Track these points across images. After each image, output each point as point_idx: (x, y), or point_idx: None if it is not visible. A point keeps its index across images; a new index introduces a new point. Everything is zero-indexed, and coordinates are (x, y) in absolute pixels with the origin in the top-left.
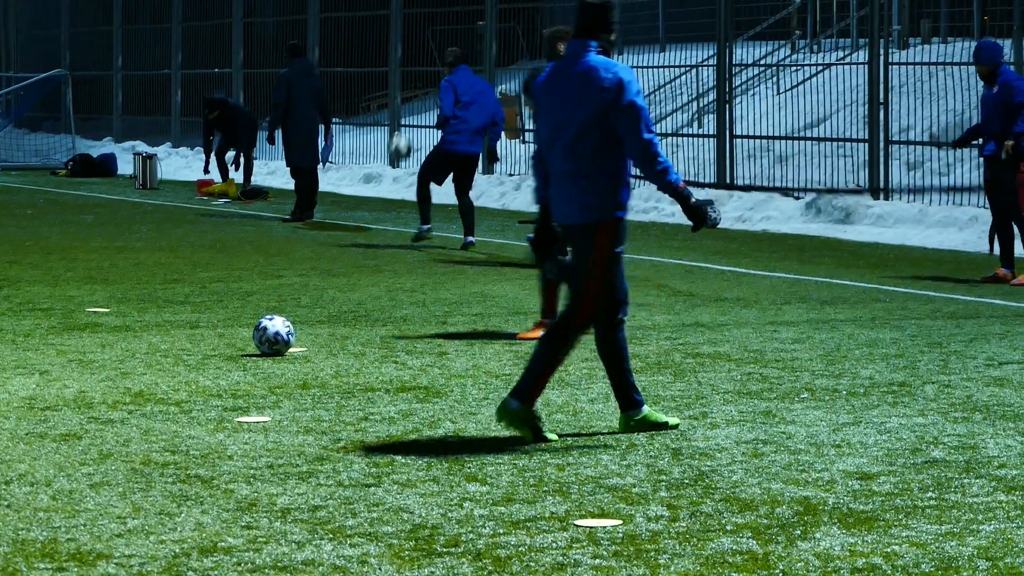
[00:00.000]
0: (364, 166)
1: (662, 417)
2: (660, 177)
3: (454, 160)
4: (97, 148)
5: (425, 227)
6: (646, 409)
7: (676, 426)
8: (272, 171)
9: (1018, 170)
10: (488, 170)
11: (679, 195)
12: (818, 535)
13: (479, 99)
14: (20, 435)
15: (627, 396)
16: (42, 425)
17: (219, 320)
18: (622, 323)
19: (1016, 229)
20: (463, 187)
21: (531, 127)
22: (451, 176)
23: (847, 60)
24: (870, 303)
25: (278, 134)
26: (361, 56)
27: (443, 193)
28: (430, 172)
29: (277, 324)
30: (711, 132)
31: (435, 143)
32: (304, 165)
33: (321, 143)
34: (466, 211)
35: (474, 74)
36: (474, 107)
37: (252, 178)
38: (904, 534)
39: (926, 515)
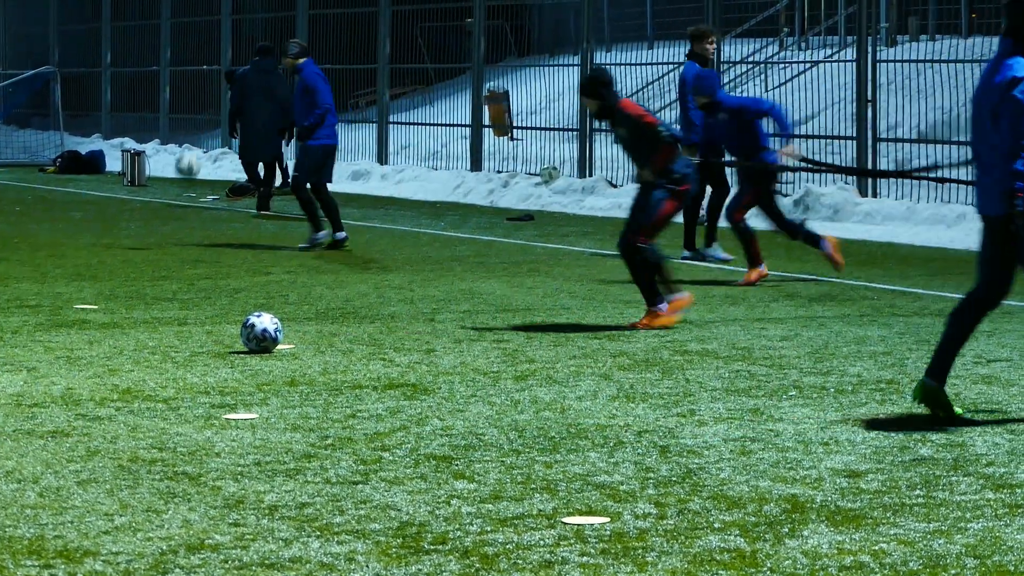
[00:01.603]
0: (352, 163)
1: (956, 409)
2: (1013, 176)
3: (332, 154)
4: (85, 145)
5: (343, 234)
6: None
7: (960, 415)
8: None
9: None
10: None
11: (1012, 202)
12: (806, 533)
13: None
14: (7, 432)
15: (942, 370)
16: (30, 422)
17: (207, 317)
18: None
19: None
20: (328, 181)
21: (517, 125)
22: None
23: (835, 57)
24: (858, 300)
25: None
26: (350, 53)
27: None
28: (319, 172)
29: (265, 321)
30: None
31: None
32: (258, 159)
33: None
34: (335, 205)
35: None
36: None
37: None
38: (892, 532)
39: (914, 513)
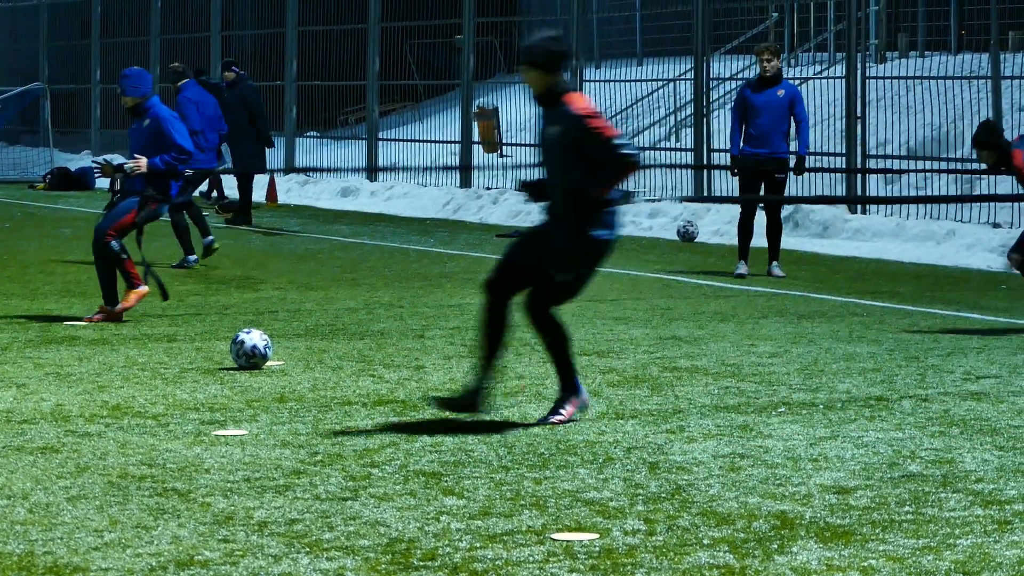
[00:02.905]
0: (341, 179)
1: None
2: None
3: (202, 178)
4: (75, 161)
5: (194, 258)
6: None
7: None
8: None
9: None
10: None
11: None
12: (795, 549)
13: (213, 113)
14: None
15: None
16: (19, 438)
17: (196, 333)
18: None
19: None
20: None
21: (507, 141)
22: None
23: (824, 74)
24: (847, 317)
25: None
26: (339, 69)
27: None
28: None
29: (254, 337)
30: (688, 146)
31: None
32: (236, 171)
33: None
34: (184, 229)
35: (201, 87)
36: (210, 122)
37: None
38: (881, 548)
39: (903, 529)
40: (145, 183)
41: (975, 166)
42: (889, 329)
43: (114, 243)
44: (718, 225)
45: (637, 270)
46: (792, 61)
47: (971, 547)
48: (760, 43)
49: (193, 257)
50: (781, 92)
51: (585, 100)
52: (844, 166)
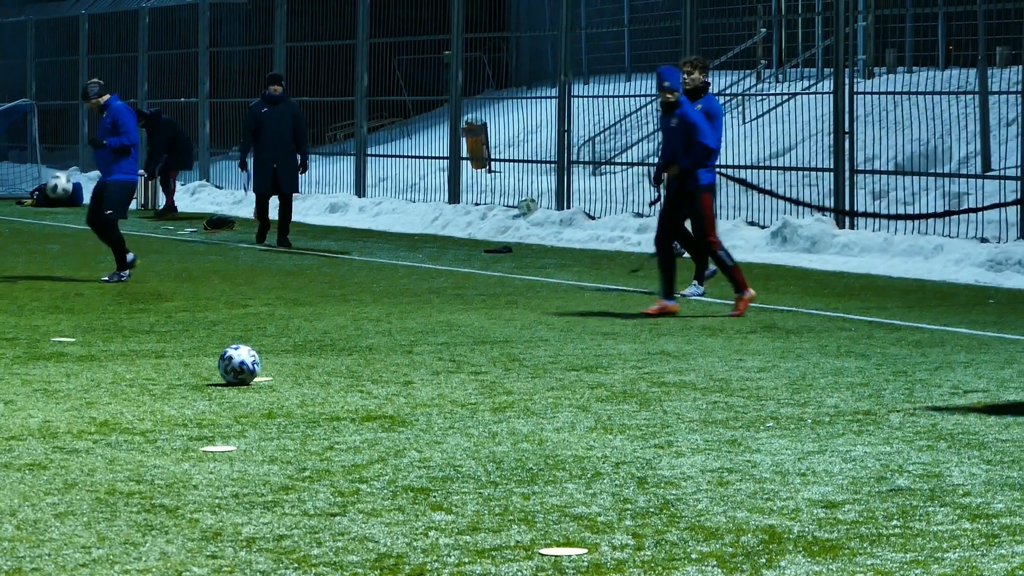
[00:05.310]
0: (330, 195)
1: None
2: None
3: (134, 191)
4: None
5: (127, 273)
6: None
7: None
8: (238, 200)
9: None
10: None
11: None
12: (783, 563)
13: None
14: None
15: None
16: (7, 455)
17: (185, 350)
18: None
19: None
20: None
21: (495, 157)
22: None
23: (812, 89)
24: (836, 332)
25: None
26: (327, 85)
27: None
28: (127, 208)
29: (243, 353)
30: None
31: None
32: (284, 192)
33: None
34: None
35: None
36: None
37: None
38: (869, 562)
39: (891, 543)
40: (682, 184)
41: (963, 182)
42: (877, 344)
43: (720, 252)
44: None
45: (625, 285)
46: (780, 77)
47: (959, 561)
48: (689, 58)
49: (126, 273)
50: (699, 107)
51: None
52: (833, 181)
